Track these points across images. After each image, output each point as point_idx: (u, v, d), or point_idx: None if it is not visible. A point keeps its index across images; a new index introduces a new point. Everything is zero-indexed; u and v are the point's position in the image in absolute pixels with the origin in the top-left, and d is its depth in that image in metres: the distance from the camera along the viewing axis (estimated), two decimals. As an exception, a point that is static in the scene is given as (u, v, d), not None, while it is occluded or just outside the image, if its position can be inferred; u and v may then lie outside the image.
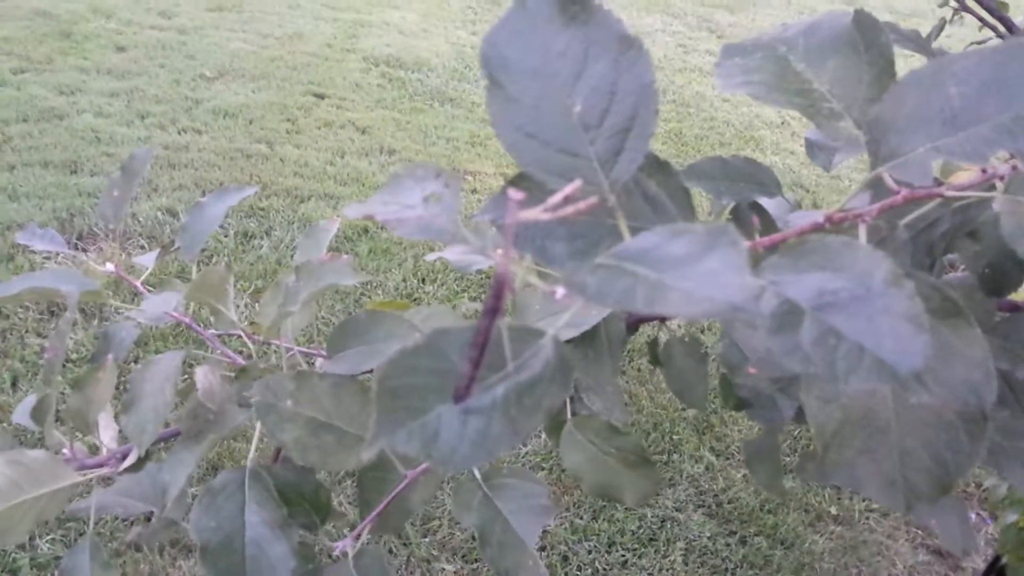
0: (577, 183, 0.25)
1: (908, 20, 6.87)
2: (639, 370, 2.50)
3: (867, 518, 2.12)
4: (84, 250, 2.82)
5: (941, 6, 1.45)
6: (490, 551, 0.56)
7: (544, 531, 2.01)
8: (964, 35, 2.34)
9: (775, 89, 0.44)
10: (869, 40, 0.45)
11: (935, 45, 1.75)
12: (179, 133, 3.60)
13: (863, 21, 0.45)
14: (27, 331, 2.38)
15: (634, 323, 0.66)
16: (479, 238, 0.34)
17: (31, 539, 1.79)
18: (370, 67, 4.61)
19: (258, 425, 0.59)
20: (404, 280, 2.75)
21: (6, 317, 2.42)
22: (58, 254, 2.78)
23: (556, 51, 0.35)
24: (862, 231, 0.41)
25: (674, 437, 2.30)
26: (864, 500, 2.18)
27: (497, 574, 0.55)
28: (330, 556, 0.61)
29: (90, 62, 4.18)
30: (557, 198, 0.25)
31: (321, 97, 4.13)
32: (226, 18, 5.02)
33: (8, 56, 4.08)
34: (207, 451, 0.59)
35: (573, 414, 0.65)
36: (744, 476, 2.17)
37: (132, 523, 1.77)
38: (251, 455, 0.58)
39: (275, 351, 0.70)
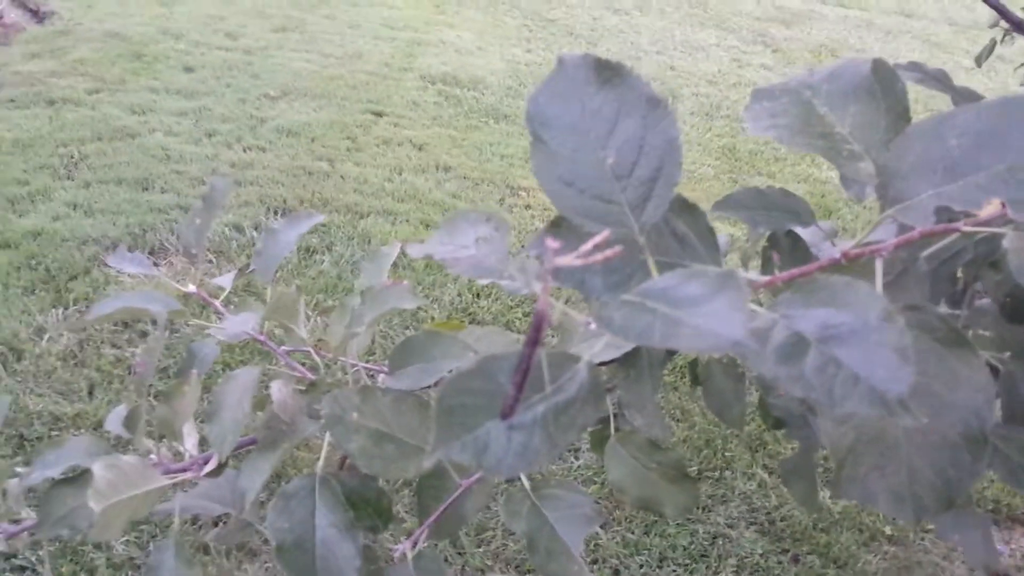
0: (606, 232, 0.30)
1: (967, 32, 6.76)
2: (691, 387, 2.52)
3: (922, 539, 2.10)
4: (156, 264, 2.94)
5: (992, 27, 1.46)
6: (538, 557, 0.60)
7: (596, 544, 2.04)
8: (1013, 55, 2.32)
9: (799, 133, 0.48)
10: (886, 87, 0.48)
11: (984, 65, 1.75)
12: (244, 151, 3.73)
13: (881, 69, 0.49)
14: (103, 342, 2.50)
15: (675, 344, 0.70)
16: (523, 272, 0.38)
17: (107, 540, 1.89)
18: (427, 85, 4.71)
19: (327, 435, 0.65)
20: (459, 295, 2.82)
21: (83, 329, 2.54)
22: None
23: (591, 110, 0.40)
24: (879, 265, 0.45)
25: (726, 454, 2.31)
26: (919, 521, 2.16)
27: (543, 577, 0.60)
28: (390, 559, 0.66)
29: (160, 82, 4.35)
30: (588, 246, 0.30)
31: (379, 115, 4.23)
32: (289, 38, 5.17)
33: (83, 77, 4.27)
34: (281, 458, 0.65)
35: (617, 430, 0.69)
36: (796, 493, 2.17)
37: (201, 526, 1.86)
38: (320, 463, 0.64)
39: (341, 367, 0.75)
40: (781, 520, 2.12)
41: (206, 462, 0.71)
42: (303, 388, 0.71)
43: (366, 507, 0.62)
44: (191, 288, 0.79)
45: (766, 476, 2.24)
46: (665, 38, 5.88)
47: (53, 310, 2.60)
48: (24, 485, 0.67)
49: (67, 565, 1.82)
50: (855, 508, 2.15)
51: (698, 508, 2.14)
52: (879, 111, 0.48)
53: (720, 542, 2.05)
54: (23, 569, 1.83)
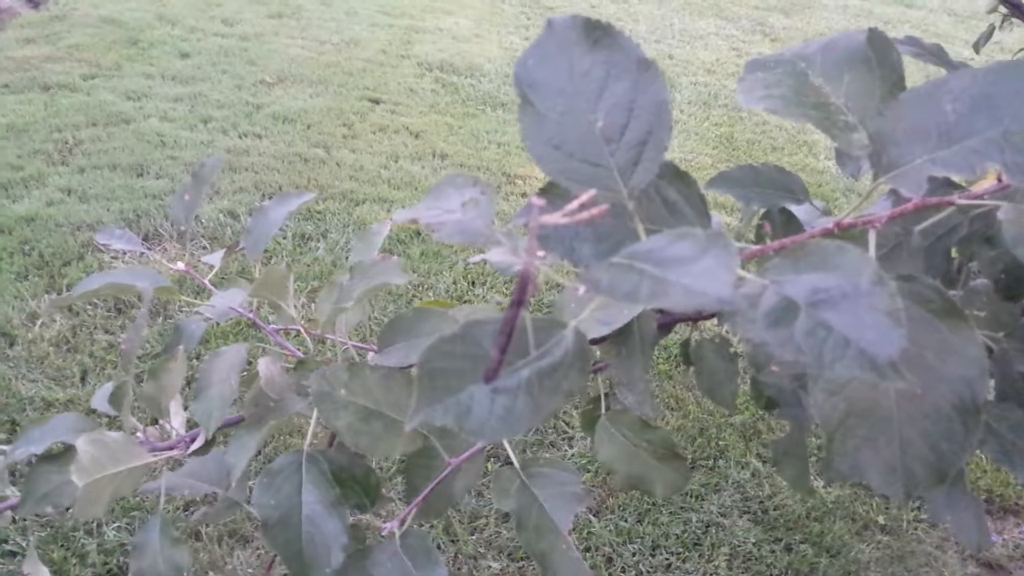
0: (592, 192, 0.29)
1: (967, 23, 6.74)
2: (684, 368, 2.51)
3: (915, 528, 2.11)
4: (150, 250, 2.93)
5: (990, 12, 1.45)
6: (526, 535, 0.60)
7: (589, 532, 2.04)
8: (1012, 42, 2.31)
9: (792, 103, 0.48)
10: (882, 57, 0.48)
11: (984, 51, 1.74)
12: (240, 137, 3.72)
13: (877, 39, 0.48)
14: (96, 328, 2.49)
15: (667, 324, 0.70)
16: (512, 241, 0.38)
17: (98, 526, 1.88)
18: (424, 72, 4.69)
19: (315, 412, 0.64)
20: (455, 282, 2.81)
21: (76, 314, 2.53)
22: (125, 253, 2.90)
23: (581, 72, 0.39)
24: (872, 237, 0.44)
25: (720, 443, 2.31)
26: (913, 510, 2.16)
27: (532, 556, 0.59)
28: (379, 538, 0.65)
29: (156, 68, 4.33)
30: (574, 205, 0.29)
31: (376, 102, 4.22)
32: (286, 25, 5.15)
33: (79, 63, 4.25)
34: (267, 436, 0.64)
35: (607, 409, 0.69)
36: (790, 481, 2.17)
37: (193, 511, 1.85)
38: (308, 440, 0.63)
39: (330, 346, 0.74)
40: (774, 509, 2.12)
41: (193, 440, 0.70)
42: (292, 366, 0.70)
43: (353, 484, 0.62)
44: (180, 266, 0.78)
45: (760, 465, 2.24)
46: (663, 26, 5.86)
47: (46, 296, 2.59)
48: (7, 462, 0.66)
49: (58, 551, 1.81)
50: (849, 497, 2.15)
51: (691, 496, 2.14)
52: (874, 81, 0.47)
53: (713, 531, 2.05)
54: (13, 555, 1.83)
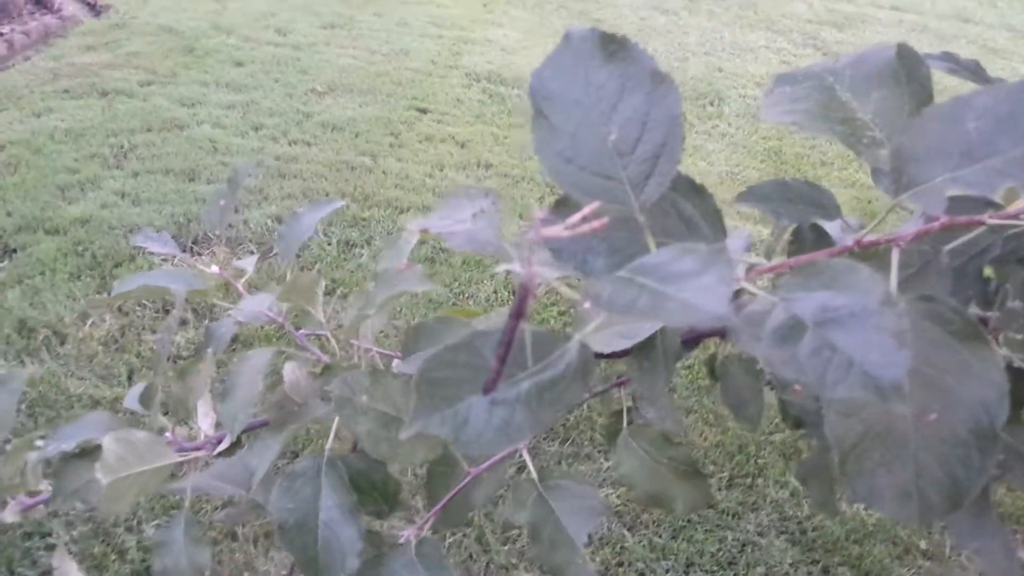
0: (595, 204, 0.29)
1: (1029, 39, 6.58)
2: (710, 384, 2.48)
3: (959, 554, 2.05)
4: (199, 254, 2.99)
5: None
6: (540, 548, 0.59)
7: (622, 547, 2.02)
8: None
9: (817, 118, 0.47)
10: (911, 72, 0.47)
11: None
12: (289, 145, 3.78)
13: (906, 54, 0.47)
14: (144, 328, 2.54)
15: (693, 339, 0.69)
16: (520, 252, 0.38)
17: (138, 523, 1.92)
18: (471, 83, 4.72)
19: (336, 417, 0.65)
20: (495, 292, 2.82)
21: (125, 315, 2.59)
22: (174, 257, 2.97)
23: (595, 85, 0.39)
24: (895, 256, 0.43)
25: (759, 461, 2.28)
26: (958, 535, 2.11)
27: (546, 570, 0.59)
28: (396, 545, 0.66)
29: (210, 76, 4.42)
30: (577, 217, 0.29)
31: (424, 112, 4.25)
32: (337, 35, 5.22)
33: (136, 70, 4.36)
34: (290, 438, 0.65)
35: (630, 423, 0.68)
36: (830, 503, 2.13)
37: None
38: (329, 444, 0.63)
39: (357, 352, 0.75)
40: (813, 530, 2.08)
41: (219, 442, 0.71)
42: (318, 371, 0.71)
43: (372, 491, 0.62)
44: (214, 269, 0.79)
45: (799, 485, 2.19)
46: (713, 39, 5.82)
47: (98, 296, 2.66)
48: (40, 458, 0.68)
49: (98, 546, 1.85)
50: (890, 520, 2.10)
51: (728, 515, 2.11)
52: (903, 97, 0.47)
53: (749, 550, 2.02)
54: (55, 548, 1.87)
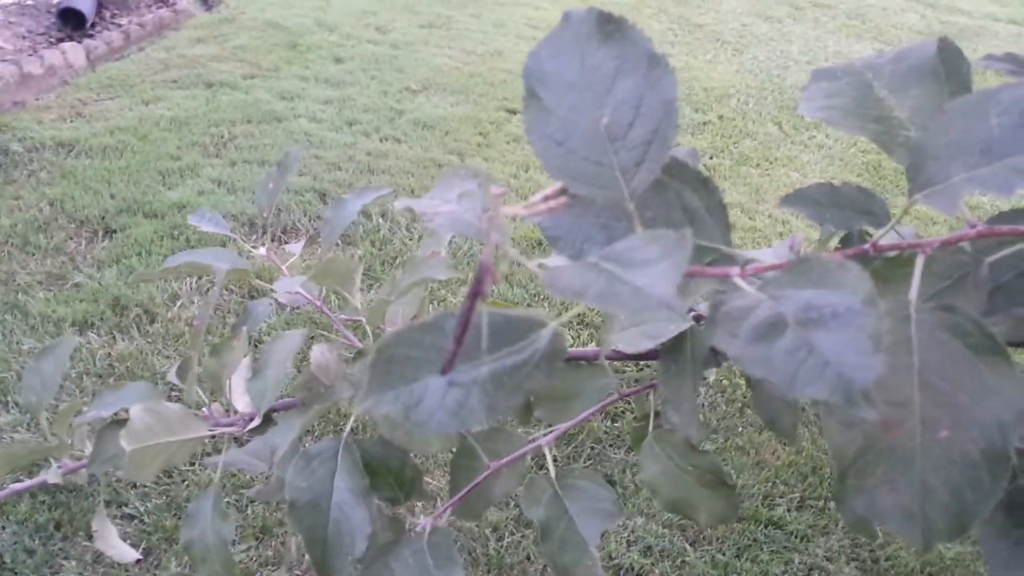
0: (559, 185, 0.28)
1: None
2: (803, 410, 2.40)
3: (1046, 597, 1.92)
4: (285, 243, 3.07)
5: None
6: (550, 546, 0.58)
7: (683, 562, 1.98)
8: None
9: (851, 114, 0.44)
10: (951, 69, 0.44)
11: None
12: (380, 141, 3.84)
13: (947, 50, 0.44)
14: (229, 311, 2.63)
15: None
16: (500, 235, 0.37)
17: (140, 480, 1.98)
18: (565, 86, 4.70)
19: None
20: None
21: (216, 301, 2.68)
22: (262, 244, 3.06)
23: (591, 66, 0.37)
24: (919, 263, 0.41)
25: (833, 483, 2.19)
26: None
27: (554, 569, 0.57)
28: (412, 532, 0.65)
29: (310, 71, 4.54)
30: (538, 197, 0.28)
31: (513, 113, 4.26)
32: (435, 35, 5.29)
33: (240, 63, 4.52)
34: (314, 419, 0.65)
35: (658, 427, 0.66)
36: (906, 532, 2.03)
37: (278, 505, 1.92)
38: (348, 427, 0.64)
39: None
40: (886, 560, 1.99)
41: (251, 419, 0.72)
42: (351, 355, 0.71)
43: (386, 476, 0.62)
44: (260, 251, 0.81)
45: (875, 511, 2.10)
46: (816, 48, 5.65)
47: (187, 278, 2.76)
48: (80, 423, 0.70)
49: (170, 519, 1.92)
50: (970, 555, 1.99)
51: (796, 537, 2.04)
52: (942, 95, 0.44)
53: (816, 574, 1.95)
54: (131, 518, 1.95)
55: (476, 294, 0.29)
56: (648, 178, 0.36)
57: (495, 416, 0.31)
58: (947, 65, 0.44)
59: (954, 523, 0.36)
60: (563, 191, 0.41)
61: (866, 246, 0.40)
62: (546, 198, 0.28)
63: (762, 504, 2.12)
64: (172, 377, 0.77)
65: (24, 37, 4.48)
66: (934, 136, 0.37)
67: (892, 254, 0.47)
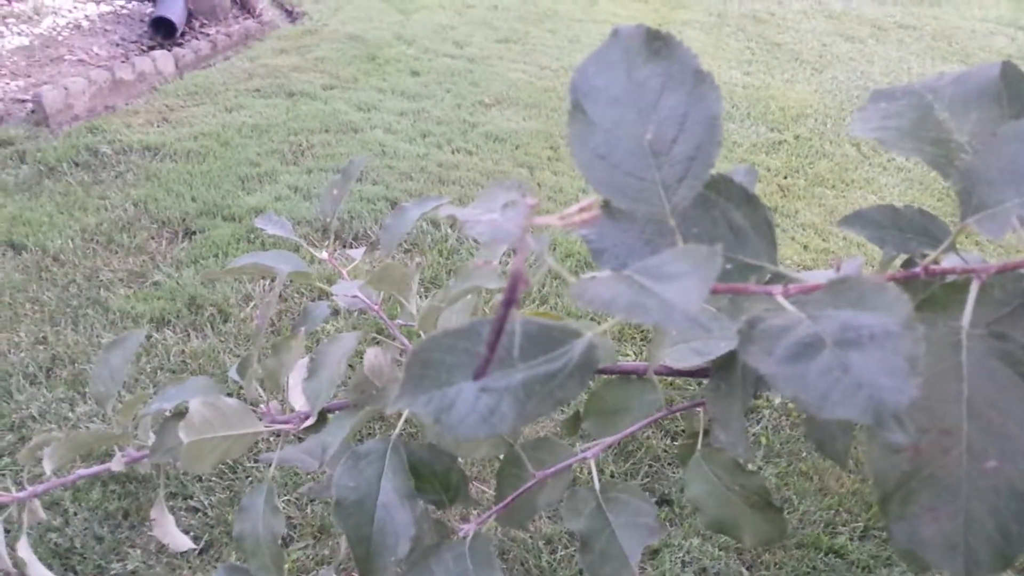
0: (593, 198, 0.28)
1: None
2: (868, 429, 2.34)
3: None
4: (354, 248, 3.12)
5: None
6: (590, 558, 0.58)
7: (742, 585, 1.95)
8: None
9: (908, 136, 0.44)
10: (1013, 92, 0.43)
11: None
12: (452, 153, 3.89)
13: (1010, 73, 0.43)
14: (297, 314, 2.69)
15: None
16: (539, 244, 0.37)
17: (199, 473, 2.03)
18: (639, 102, 4.69)
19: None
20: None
21: (284, 300, 2.75)
22: (335, 251, 3.13)
23: (637, 81, 0.38)
24: (974, 288, 0.40)
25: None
26: None
27: (594, 581, 0.57)
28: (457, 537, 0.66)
29: (388, 83, 4.63)
30: (572, 209, 0.28)
31: (586, 128, 4.27)
32: (511, 49, 5.34)
33: (321, 74, 4.63)
34: (364, 420, 0.67)
35: (705, 446, 0.66)
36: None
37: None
38: (398, 428, 0.65)
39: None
40: (954, 598, 1.92)
41: (307, 417, 0.74)
42: (404, 359, 0.73)
43: (432, 479, 0.63)
44: (323, 255, 0.83)
45: (943, 547, 2.03)
46: (899, 69, 5.51)
47: (261, 280, 2.84)
48: (144, 414, 0.73)
49: (232, 512, 1.97)
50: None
51: (858, 567, 1.98)
52: (1003, 119, 0.42)
53: (878, 608, 1.89)
54: (195, 510, 2.01)
55: (509, 302, 0.30)
56: (690, 194, 0.36)
57: (525, 423, 0.31)
58: (1010, 88, 0.43)
59: (998, 556, 0.35)
60: (603, 204, 0.42)
61: (916, 269, 0.39)
62: (581, 210, 0.28)
63: (824, 531, 2.07)
64: (232, 374, 0.79)
65: (118, 44, 4.68)
66: (986, 160, 0.36)
67: (950, 279, 0.46)
